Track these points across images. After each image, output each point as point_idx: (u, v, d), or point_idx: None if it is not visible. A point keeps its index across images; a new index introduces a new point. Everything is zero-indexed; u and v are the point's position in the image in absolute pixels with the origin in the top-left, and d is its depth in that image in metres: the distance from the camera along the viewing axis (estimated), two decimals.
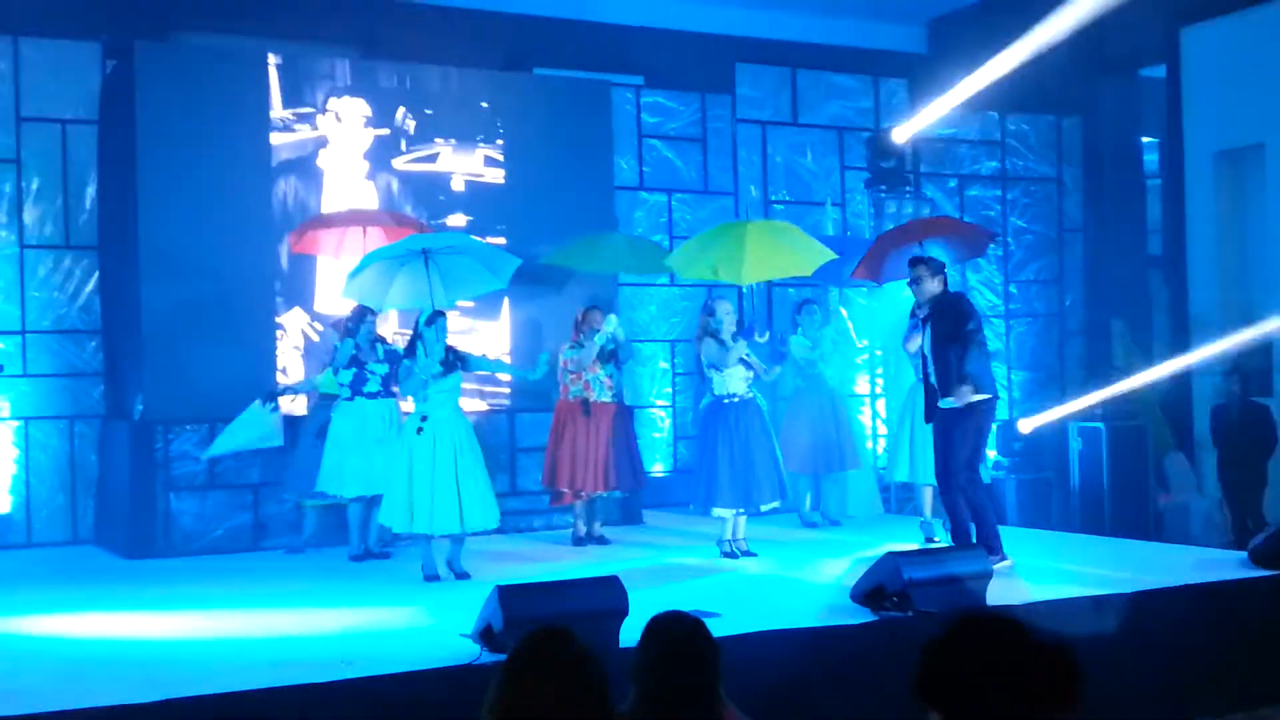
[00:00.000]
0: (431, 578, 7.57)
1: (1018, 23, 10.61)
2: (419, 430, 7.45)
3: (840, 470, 9.94)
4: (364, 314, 8.54)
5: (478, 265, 8.14)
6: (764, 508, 8.34)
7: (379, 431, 8.37)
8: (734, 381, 8.27)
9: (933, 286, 7.71)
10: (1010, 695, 2.30)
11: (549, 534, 9.61)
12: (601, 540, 9.08)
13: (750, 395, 8.35)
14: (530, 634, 2.74)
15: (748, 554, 8.22)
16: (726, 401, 8.28)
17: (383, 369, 8.46)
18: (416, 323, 7.74)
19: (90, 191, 9.81)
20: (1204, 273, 11.34)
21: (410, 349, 7.62)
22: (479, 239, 8.98)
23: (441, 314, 7.71)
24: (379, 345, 8.57)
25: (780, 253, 8.67)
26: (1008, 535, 8.36)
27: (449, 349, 7.60)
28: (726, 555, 8.20)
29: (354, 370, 8.44)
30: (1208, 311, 11.09)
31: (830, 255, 8.78)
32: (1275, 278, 10.61)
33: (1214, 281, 11.25)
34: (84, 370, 9.75)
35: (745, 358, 8.28)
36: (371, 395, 8.47)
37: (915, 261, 7.87)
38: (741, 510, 8.25)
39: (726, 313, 8.33)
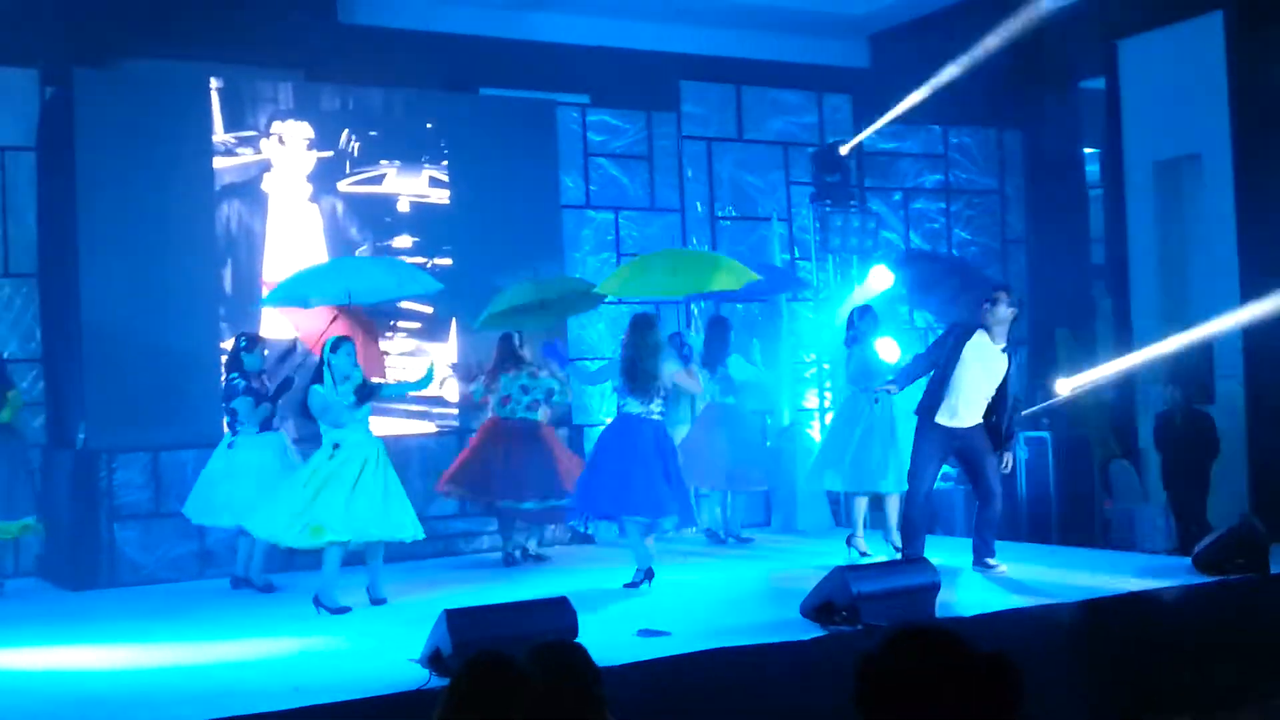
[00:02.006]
0: (339, 610, 7.26)
1: (958, 37, 10.73)
2: (330, 458, 7.30)
3: (748, 488, 9.92)
4: (255, 341, 8.44)
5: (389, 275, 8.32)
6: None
7: (274, 465, 8.15)
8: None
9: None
10: (948, 705, 2.32)
11: (498, 555, 9.56)
12: (538, 559, 9.18)
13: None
14: (471, 659, 2.74)
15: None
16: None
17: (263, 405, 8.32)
18: (323, 349, 7.56)
19: (30, 219, 9.70)
20: (1145, 281, 11.49)
21: (317, 376, 7.43)
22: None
23: (347, 339, 7.59)
24: (264, 377, 8.42)
25: (712, 270, 8.78)
26: (955, 545, 8.45)
27: (363, 378, 7.47)
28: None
29: (266, 408, 8.28)
30: (1150, 320, 11.22)
31: (752, 275, 8.85)
32: (1214, 285, 10.76)
33: (1155, 290, 11.39)
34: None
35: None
36: (263, 430, 8.33)
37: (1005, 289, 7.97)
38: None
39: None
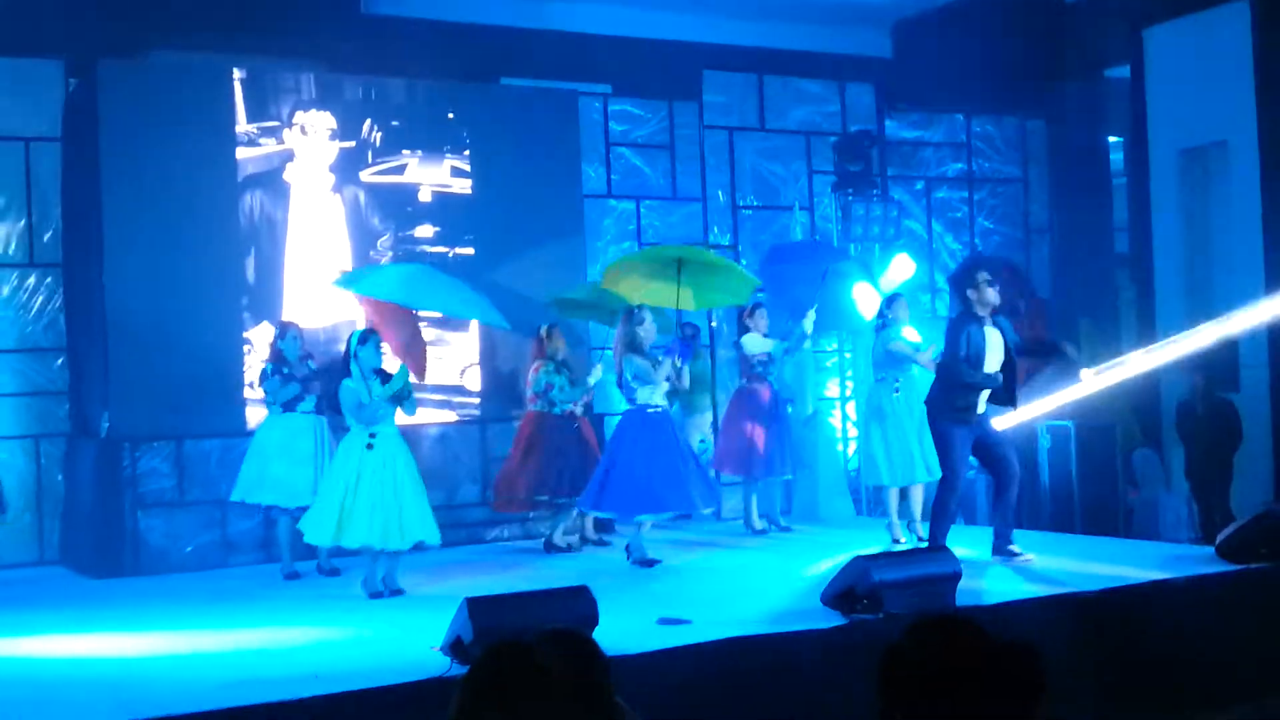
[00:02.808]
0: (375, 594, 7.43)
1: (982, 25, 10.70)
2: (369, 446, 7.32)
3: (776, 476, 9.85)
4: (287, 328, 8.48)
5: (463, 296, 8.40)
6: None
7: (307, 447, 8.27)
8: (658, 393, 8.19)
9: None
10: (970, 696, 2.32)
11: (519, 544, 9.60)
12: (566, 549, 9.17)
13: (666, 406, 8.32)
14: (490, 648, 2.74)
15: (646, 563, 8.17)
16: (650, 411, 8.20)
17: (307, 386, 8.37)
18: (349, 341, 7.56)
19: (55, 209, 9.76)
20: (1170, 270, 11.43)
21: (344, 369, 7.44)
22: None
23: (374, 332, 7.59)
24: (309, 361, 8.47)
25: (715, 287, 8.88)
26: (978, 534, 8.42)
27: (404, 380, 7.47)
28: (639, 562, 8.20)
29: (294, 388, 8.32)
30: (1174, 308, 11.16)
31: (755, 282, 9.10)
32: (1239, 274, 10.69)
33: (1180, 279, 11.33)
34: (49, 389, 9.68)
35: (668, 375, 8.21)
36: (303, 411, 8.38)
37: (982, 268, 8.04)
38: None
39: (647, 324, 8.26)
